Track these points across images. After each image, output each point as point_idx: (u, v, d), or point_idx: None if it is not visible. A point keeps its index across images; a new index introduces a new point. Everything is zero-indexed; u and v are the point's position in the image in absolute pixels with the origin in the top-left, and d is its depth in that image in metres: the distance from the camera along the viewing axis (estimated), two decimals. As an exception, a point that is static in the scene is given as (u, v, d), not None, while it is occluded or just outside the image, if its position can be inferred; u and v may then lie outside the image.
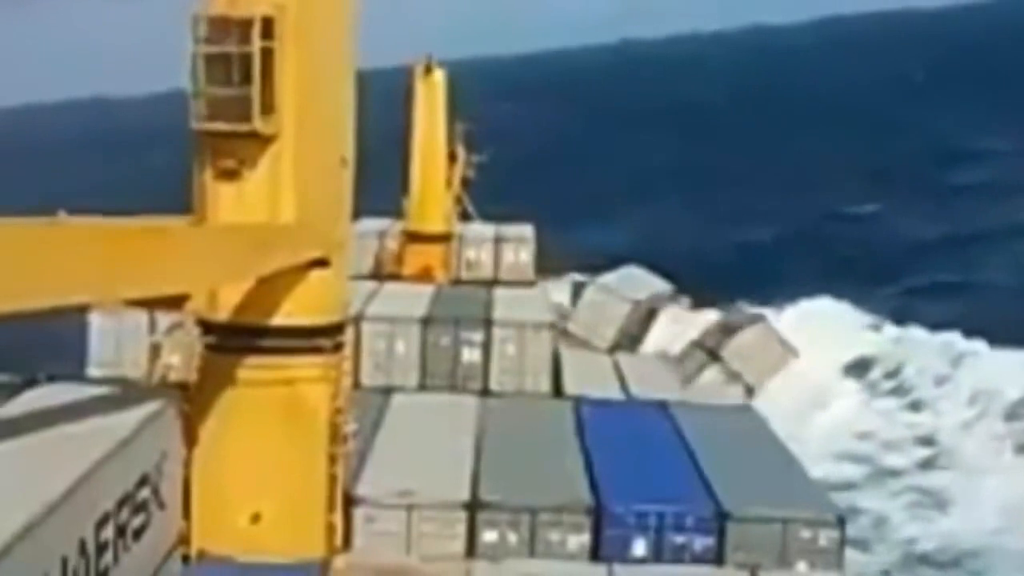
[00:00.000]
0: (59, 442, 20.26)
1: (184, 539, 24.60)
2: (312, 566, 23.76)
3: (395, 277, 60.53)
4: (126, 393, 23.91)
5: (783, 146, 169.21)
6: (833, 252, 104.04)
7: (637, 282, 64.64)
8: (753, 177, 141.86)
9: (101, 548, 19.57)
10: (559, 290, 68.75)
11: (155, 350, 37.22)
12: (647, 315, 61.04)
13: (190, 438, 24.69)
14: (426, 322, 40.75)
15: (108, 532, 19.93)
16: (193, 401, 24.72)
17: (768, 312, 73.67)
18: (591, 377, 44.98)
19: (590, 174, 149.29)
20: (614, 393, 42.41)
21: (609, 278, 62.49)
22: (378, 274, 61.38)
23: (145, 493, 21.96)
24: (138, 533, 21.53)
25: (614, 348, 55.57)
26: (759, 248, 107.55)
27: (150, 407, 22.80)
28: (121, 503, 20.62)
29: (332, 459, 25.42)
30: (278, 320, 24.62)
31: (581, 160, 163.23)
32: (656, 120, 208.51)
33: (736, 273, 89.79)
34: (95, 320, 39.24)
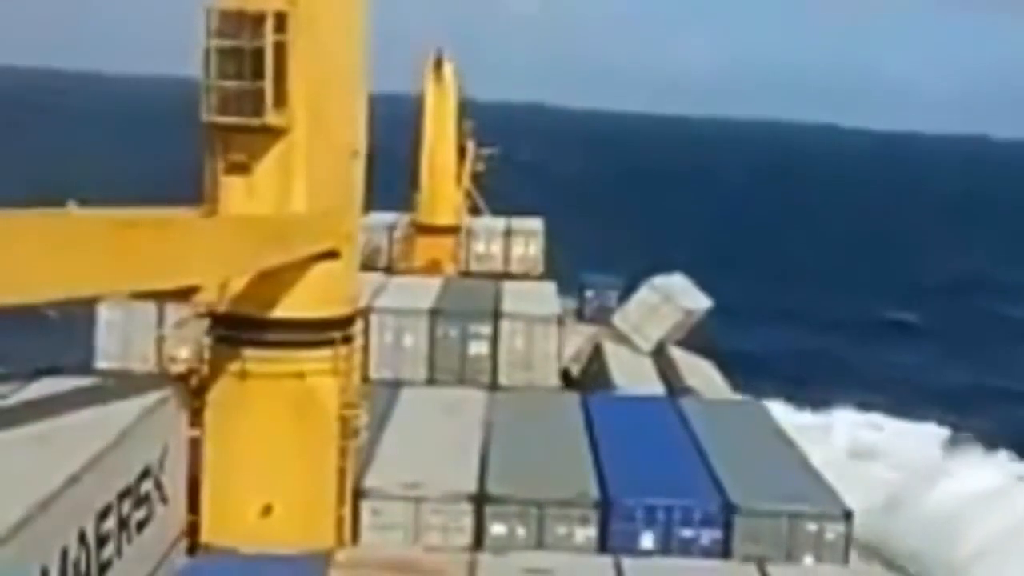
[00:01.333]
0: (59, 435, 20.32)
1: (192, 531, 24.70)
2: (315, 558, 23.80)
3: (404, 270, 60.65)
4: (128, 386, 23.93)
5: (814, 243, 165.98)
6: (851, 359, 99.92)
7: (686, 291, 63.56)
8: (774, 267, 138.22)
9: (102, 540, 19.62)
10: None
11: (163, 343, 37.28)
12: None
13: (200, 431, 24.77)
14: (434, 315, 40.75)
15: (110, 524, 19.98)
16: (203, 394, 24.78)
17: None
18: (636, 373, 45.31)
19: (608, 225, 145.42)
20: (658, 389, 42.61)
21: (659, 281, 61.79)
22: (388, 267, 61.46)
23: (147, 486, 22.01)
24: (141, 526, 21.57)
25: (657, 351, 55.31)
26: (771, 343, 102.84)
27: (151, 401, 22.84)
28: (123, 495, 20.65)
29: (342, 452, 25.48)
30: (288, 313, 24.66)
31: (601, 211, 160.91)
32: (690, 196, 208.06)
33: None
34: (103, 313, 39.14)
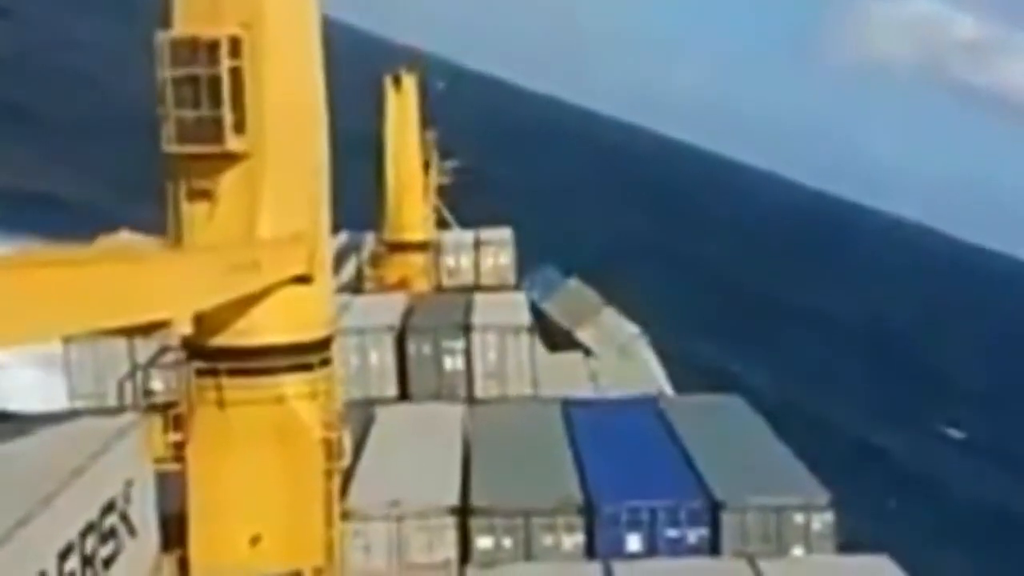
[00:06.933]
0: (15, 475, 19.93)
1: (182, 565, 24.47)
2: None
3: (372, 289, 60.40)
4: (89, 422, 23.55)
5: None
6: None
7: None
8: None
9: None
10: None
11: (136, 377, 36.97)
12: None
13: (183, 464, 24.56)
14: (405, 332, 40.54)
15: (73, 563, 19.50)
16: (184, 425, 24.58)
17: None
18: None
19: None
20: None
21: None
22: (357, 287, 61.19)
23: (112, 520, 21.56)
24: (108, 562, 21.10)
25: None
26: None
27: (112, 435, 22.44)
28: (85, 532, 20.19)
29: (328, 475, 25.32)
30: (264, 339, 24.46)
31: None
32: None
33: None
34: (72, 351, 38.72)
